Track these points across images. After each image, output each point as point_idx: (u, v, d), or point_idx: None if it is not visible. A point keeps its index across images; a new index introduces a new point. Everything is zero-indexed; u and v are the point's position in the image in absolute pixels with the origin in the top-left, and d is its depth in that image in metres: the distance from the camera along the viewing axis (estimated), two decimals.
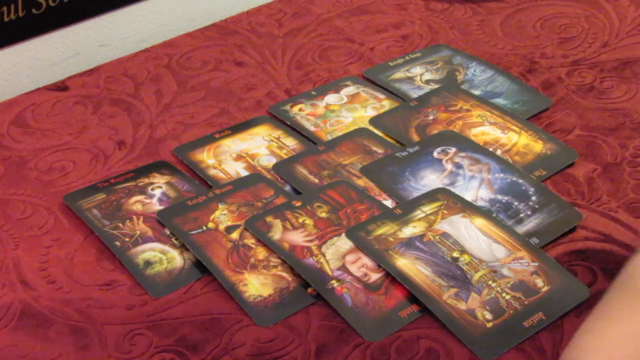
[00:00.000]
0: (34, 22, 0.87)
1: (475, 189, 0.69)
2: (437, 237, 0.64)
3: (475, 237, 0.64)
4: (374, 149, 0.74)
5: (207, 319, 0.61)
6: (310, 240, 0.65)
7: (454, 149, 0.72)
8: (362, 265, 0.63)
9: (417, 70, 0.84)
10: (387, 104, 0.80)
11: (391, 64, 0.85)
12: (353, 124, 0.77)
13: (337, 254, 0.64)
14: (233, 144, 0.76)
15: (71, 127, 0.80)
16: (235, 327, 0.60)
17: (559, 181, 0.70)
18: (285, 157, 0.74)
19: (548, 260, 0.62)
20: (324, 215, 0.67)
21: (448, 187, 0.69)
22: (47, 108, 0.82)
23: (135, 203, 0.70)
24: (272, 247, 0.65)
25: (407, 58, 0.86)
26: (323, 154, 0.74)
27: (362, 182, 0.71)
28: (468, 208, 0.67)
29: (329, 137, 0.76)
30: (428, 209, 0.67)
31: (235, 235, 0.66)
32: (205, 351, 0.58)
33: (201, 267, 0.64)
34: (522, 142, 0.74)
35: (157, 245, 0.66)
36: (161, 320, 0.61)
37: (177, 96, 0.83)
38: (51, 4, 0.87)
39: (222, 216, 0.68)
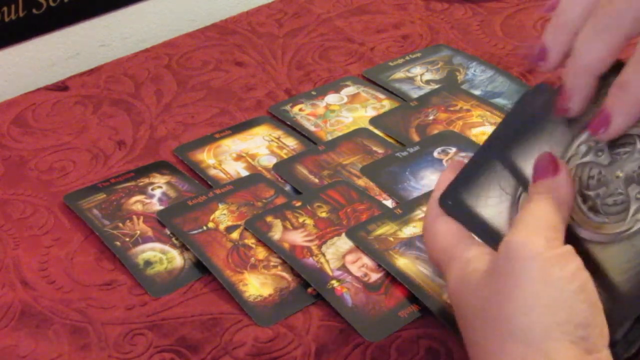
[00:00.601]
0: (34, 22, 0.87)
1: None
2: None
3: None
4: (374, 149, 0.74)
5: (207, 319, 0.61)
6: (311, 240, 0.65)
7: (454, 149, 0.72)
8: (362, 265, 0.63)
9: (417, 70, 0.84)
10: (387, 104, 0.80)
11: (391, 64, 0.85)
12: (353, 124, 0.77)
13: (337, 254, 0.64)
14: (233, 144, 0.76)
15: (71, 127, 0.80)
16: (235, 327, 0.60)
17: None
18: (285, 157, 0.74)
19: None
20: (324, 215, 0.67)
21: None
22: (47, 108, 0.82)
23: (136, 203, 0.70)
24: (273, 247, 0.65)
25: (407, 58, 0.86)
26: (323, 154, 0.74)
27: (362, 182, 0.71)
28: None
29: (329, 137, 0.76)
30: None
31: (235, 235, 0.66)
32: (205, 351, 0.58)
33: (201, 267, 0.64)
34: None
35: (157, 245, 0.66)
36: (161, 320, 0.61)
37: (177, 96, 0.83)
38: (51, 4, 0.87)
39: (222, 216, 0.68)
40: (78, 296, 0.63)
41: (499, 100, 0.79)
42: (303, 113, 0.79)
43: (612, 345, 0.46)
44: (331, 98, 0.81)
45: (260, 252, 0.65)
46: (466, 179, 0.52)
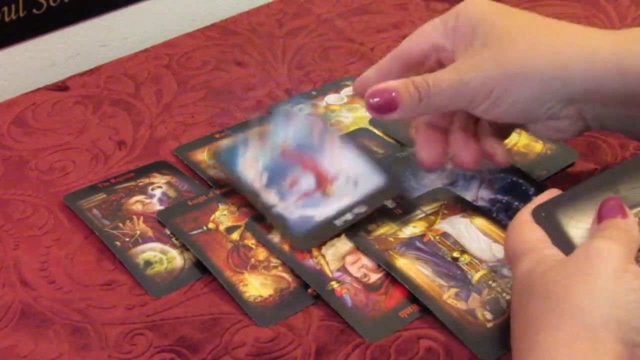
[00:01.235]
0: (34, 22, 0.87)
1: (475, 188, 0.69)
2: (437, 237, 0.64)
3: (476, 237, 0.64)
4: (374, 149, 0.74)
5: (207, 319, 0.61)
6: None
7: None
8: (362, 266, 0.63)
9: None
10: None
11: None
12: (353, 124, 0.77)
13: (337, 255, 0.64)
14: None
15: (71, 127, 0.80)
16: (235, 327, 0.60)
17: (559, 181, 0.70)
18: None
19: None
20: None
21: (448, 187, 0.69)
22: (47, 108, 0.82)
23: (136, 203, 0.70)
24: (272, 249, 0.65)
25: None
26: None
27: None
28: (468, 208, 0.67)
29: None
30: (428, 208, 0.67)
31: (235, 235, 0.66)
32: (205, 351, 0.58)
33: (201, 267, 0.64)
34: (522, 141, 0.74)
35: (157, 245, 0.66)
36: (161, 320, 0.61)
37: (177, 96, 0.83)
38: (52, 4, 0.87)
39: (222, 216, 0.68)
40: (78, 296, 0.63)
41: None
42: (303, 113, 0.79)
43: None
44: (331, 98, 0.81)
45: (261, 253, 0.65)
46: (568, 199, 0.56)
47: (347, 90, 0.82)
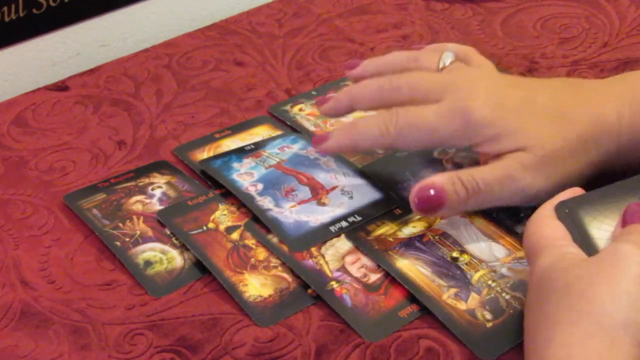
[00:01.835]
0: (34, 22, 0.87)
1: None
2: (436, 237, 0.64)
3: (475, 237, 0.64)
4: (374, 149, 0.74)
5: (207, 319, 0.61)
6: None
7: (454, 149, 0.72)
8: (361, 266, 0.63)
9: None
10: None
11: None
12: None
13: (336, 255, 0.64)
14: (233, 144, 0.76)
15: (71, 127, 0.80)
16: (235, 327, 0.60)
17: None
18: None
19: None
20: None
21: None
22: (47, 108, 0.82)
23: (136, 203, 0.70)
24: (272, 249, 0.65)
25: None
26: None
27: None
28: None
29: None
30: None
31: (235, 235, 0.66)
32: (205, 351, 0.58)
33: (201, 267, 0.64)
34: None
35: (157, 245, 0.66)
36: (161, 320, 0.61)
37: (177, 96, 0.83)
38: (52, 4, 0.87)
39: (222, 216, 0.68)
40: (78, 296, 0.63)
41: None
42: (303, 113, 0.79)
43: None
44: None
45: (261, 253, 0.65)
46: (593, 199, 0.56)
47: None
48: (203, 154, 0.75)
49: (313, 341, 0.59)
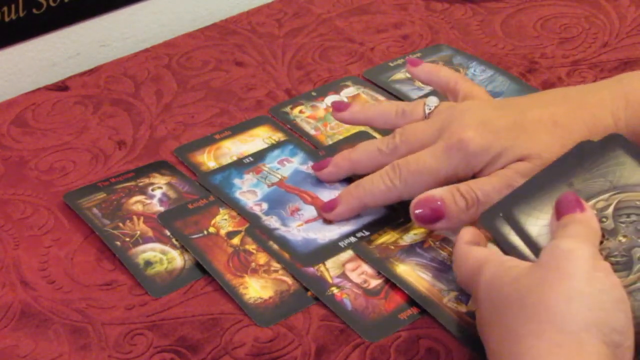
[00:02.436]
0: (34, 22, 0.87)
1: None
2: (437, 243, 0.64)
3: None
4: None
5: (207, 319, 0.61)
6: None
7: None
8: (362, 273, 0.63)
9: None
10: None
11: (391, 64, 0.85)
12: (353, 127, 0.77)
13: (337, 262, 0.64)
14: (233, 146, 0.76)
15: (71, 127, 0.80)
16: (235, 327, 0.60)
17: None
18: None
19: None
20: None
21: None
22: (47, 108, 0.82)
23: (136, 203, 0.70)
24: (273, 255, 0.64)
25: (406, 58, 0.85)
26: None
27: None
28: None
29: (330, 141, 0.76)
30: None
31: (236, 240, 0.66)
32: (205, 351, 0.58)
33: (201, 268, 0.64)
34: None
35: (157, 246, 0.66)
36: (161, 320, 0.61)
37: (177, 96, 0.83)
38: (52, 4, 0.87)
39: (222, 221, 0.68)
40: (78, 296, 0.63)
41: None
42: (303, 115, 0.79)
43: None
44: (331, 99, 0.81)
45: (261, 258, 0.65)
46: (524, 194, 0.56)
47: (347, 91, 0.82)
48: (203, 155, 0.75)
49: (313, 341, 0.59)
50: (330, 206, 0.66)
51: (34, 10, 0.86)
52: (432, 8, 0.94)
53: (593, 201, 0.55)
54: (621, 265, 0.51)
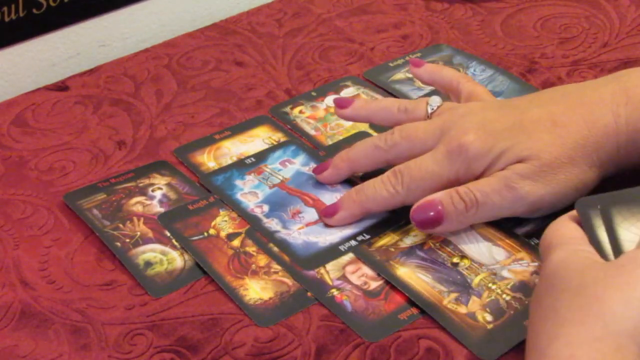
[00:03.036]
0: (34, 22, 0.87)
1: None
2: (437, 244, 0.64)
3: (475, 241, 0.64)
4: None
5: (207, 319, 0.61)
6: None
7: None
8: (362, 275, 0.63)
9: None
10: None
11: (391, 64, 0.85)
12: (353, 128, 0.77)
13: (337, 265, 0.64)
14: (233, 146, 0.76)
15: (71, 127, 0.80)
16: (235, 327, 0.60)
17: None
18: None
19: None
20: None
21: None
22: (47, 108, 0.82)
23: (136, 204, 0.70)
24: (273, 257, 0.64)
25: (407, 58, 0.86)
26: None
27: None
28: None
29: (330, 142, 0.76)
30: None
31: (236, 242, 0.66)
32: (205, 351, 0.59)
33: (201, 268, 0.64)
34: None
35: (157, 247, 0.66)
36: (161, 320, 0.61)
37: (177, 96, 0.83)
38: (52, 4, 0.87)
39: (223, 223, 0.68)
40: (78, 296, 0.63)
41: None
42: (303, 116, 0.79)
43: None
44: (331, 100, 0.81)
45: (262, 260, 0.65)
46: (628, 199, 0.55)
47: (347, 91, 0.82)
48: (203, 155, 0.75)
49: (313, 341, 0.59)
50: (331, 211, 0.66)
51: (34, 10, 0.86)
52: (432, 8, 0.94)
53: None
54: None
